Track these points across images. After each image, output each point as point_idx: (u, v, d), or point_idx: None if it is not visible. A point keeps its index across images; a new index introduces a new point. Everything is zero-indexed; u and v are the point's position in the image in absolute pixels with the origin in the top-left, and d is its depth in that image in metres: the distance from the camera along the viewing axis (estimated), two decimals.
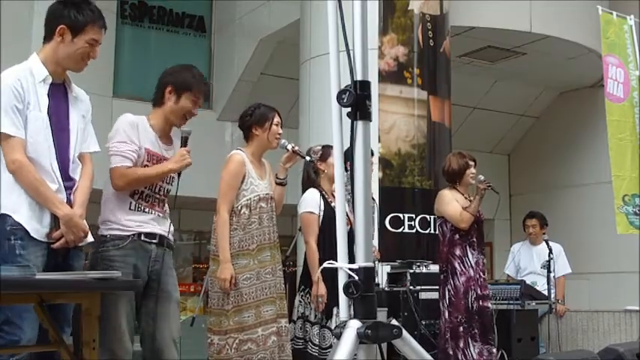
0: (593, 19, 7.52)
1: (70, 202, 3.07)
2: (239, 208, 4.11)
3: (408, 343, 1.87)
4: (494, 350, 5.15)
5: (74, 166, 3.14)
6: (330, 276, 4.29)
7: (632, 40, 7.42)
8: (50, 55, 3.09)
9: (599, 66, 7.46)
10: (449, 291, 5.13)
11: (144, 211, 3.45)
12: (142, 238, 3.42)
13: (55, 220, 3.01)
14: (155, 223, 3.48)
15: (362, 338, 1.77)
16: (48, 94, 3.06)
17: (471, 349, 5.03)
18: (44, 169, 3.00)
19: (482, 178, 5.23)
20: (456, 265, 5.15)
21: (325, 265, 1.98)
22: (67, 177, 3.09)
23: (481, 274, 5.20)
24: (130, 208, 3.42)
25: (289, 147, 4.31)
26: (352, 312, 1.82)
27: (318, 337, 4.53)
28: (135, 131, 3.42)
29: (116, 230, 3.39)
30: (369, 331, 1.77)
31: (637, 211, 6.98)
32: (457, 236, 5.20)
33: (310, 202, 4.66)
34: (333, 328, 4.48)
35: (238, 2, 10.44)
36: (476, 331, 5.06)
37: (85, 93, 3.28)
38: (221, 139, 10.22)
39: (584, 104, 10.43)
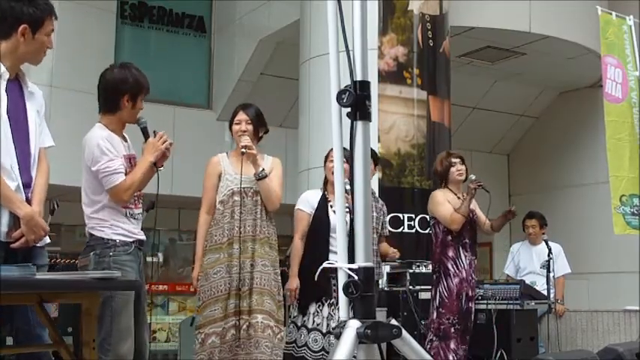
0: (592, 19, 7.52)
1: (28, 201, 3.01)
2: (216, 205, 4.25)
3: (407, 342, 1.87)
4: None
5: (34, 164, 3.08)
6: (309, 274, 4.27)
7: (630, 41, 7.41)
8: (8, 53, 2.99)
9: (599, 66, 7.44)
10: (441, 292, 5.11)
11: (134, 217, 3.58)
12: (137, 245, 3.57)
13: (14, 220, 2.94)
14: (140, 230, 3.61)
15: (361, 338, 1.77)
16: (5, 91, 2.97)
17: (460, 350, 5.03)
18: (4, 167, 2.92)
19: (473, 177, 5.17)
20: (449, 266, 5.13)
21: (325, 264, 1.99)
22: (27, 175, 3.03)
23: (472, 275, 5.20)
24: (125, 216, 3.54)
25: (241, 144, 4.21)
26: (352, 312, 1.83)
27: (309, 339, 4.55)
28: (111, 144, 3.50)
29: (122, 236, 3.50)
30: (369, 331, 1.77)
31: (635, 212, 6.96)
32: (449, 237, 5.18)
33: (305, 199, 4.81)
34: (309, 326, 4.55)
35: (238, 2, 10.43)
36: (461, 332, 5.08)
37: (39, 88, 3.22)
38: (221, 139, 10.20)
39: (584, 104, 10.43)
